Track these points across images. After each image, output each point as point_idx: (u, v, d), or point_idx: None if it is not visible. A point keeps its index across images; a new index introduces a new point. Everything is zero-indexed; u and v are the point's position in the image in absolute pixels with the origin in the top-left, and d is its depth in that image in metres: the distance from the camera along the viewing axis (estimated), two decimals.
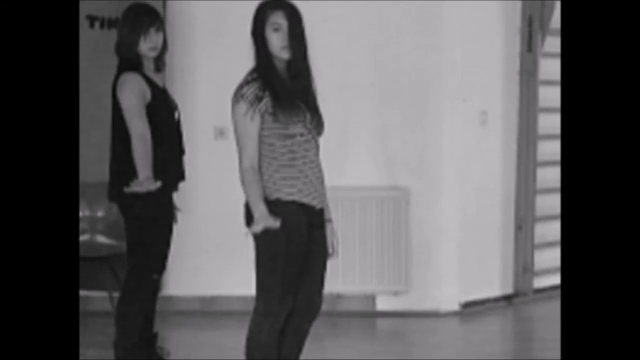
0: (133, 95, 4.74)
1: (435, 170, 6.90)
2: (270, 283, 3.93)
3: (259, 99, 3.92)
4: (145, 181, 4.76)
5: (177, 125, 5.05)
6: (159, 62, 4.92)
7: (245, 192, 3.94)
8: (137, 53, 4.79)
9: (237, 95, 3.94)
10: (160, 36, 4.84)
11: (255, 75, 3.98)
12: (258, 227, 3.82)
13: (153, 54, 4.81)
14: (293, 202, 3.88)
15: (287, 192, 3.97)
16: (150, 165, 4.84)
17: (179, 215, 5.15)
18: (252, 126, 3.90)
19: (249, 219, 3.94)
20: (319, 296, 4.06)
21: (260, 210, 3.83)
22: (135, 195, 4.69)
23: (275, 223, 3.79)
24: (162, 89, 4.98)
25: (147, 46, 4.78)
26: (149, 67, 4.90)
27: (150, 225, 4.82)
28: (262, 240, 3.91)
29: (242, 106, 3.89)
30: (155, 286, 5.05)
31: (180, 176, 5.05)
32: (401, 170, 6.82)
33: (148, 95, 4.72)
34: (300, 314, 4.05)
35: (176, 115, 5.07)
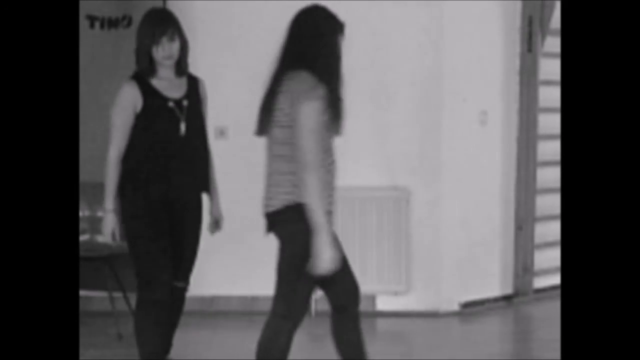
0: (117, 111, 4.77)
1: (435, 170, 6.90)
2: (299, 287, 4.01)
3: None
4: (105, 227, 4.97)
5: (180, 137, 4.83)
6: (180, 66, 4.83)
7: (309, 192, 3.99)
8: (152, 60, 4.74)
9: (313, 94, 4.08)
10: (175, 45, 4.75)
11: (318, 79, 4.10)
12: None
13: (169, 62, 4.75)
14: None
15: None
16: (112, 193, 4.93)
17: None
18: (321, 125, 4.12)
19: (275, 224, 4.06)
20: (355, 278, 4.24)
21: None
22: (122, 197, 4.78)
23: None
24: (173, 98, 4.80)
25: (160, 55, 4.72)
26: (165, 73, 4.81)
27: (130, 224, 4.82)
28: (295, 245, 4.00)
29: (319, 105, 4.05)
30: (176, 295, 4.90)
31: (178, 189, 4.84)
32: (401, 170, 6.82)
33: (139, 106, 4.70)
34: (353, 303, 4.22)
35: (182, 127, 4.82)
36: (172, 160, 4.75)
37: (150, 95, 4.70)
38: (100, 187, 6.48)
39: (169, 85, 4.76)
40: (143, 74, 4.73)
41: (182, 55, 4.78)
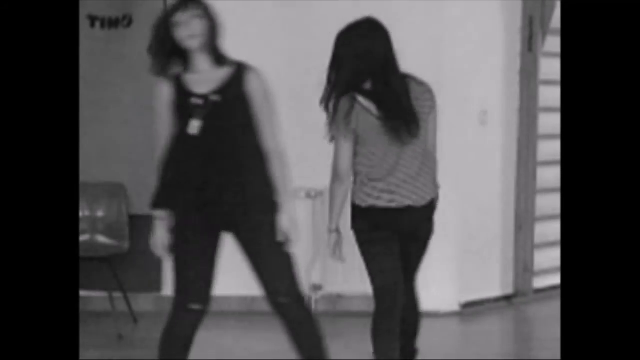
0: (157, 113, 4.31)
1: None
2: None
3: None
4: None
5: (192, 138, 4.20)
6: (215, 53, 4.19)
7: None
8: (184, 51, 4.15)
9: None
10: (198, 21, 4.10)
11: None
12: None
13: (193, 42, 4.11)
14: None
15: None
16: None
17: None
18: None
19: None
20: None
21: None
22: None
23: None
24: (200, 93, 4.18)
25: (183, 35, 4.09)
26: (200, 64, 4.18)
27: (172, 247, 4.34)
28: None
29: None
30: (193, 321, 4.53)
31: (205, 202, 4.22)
32: None
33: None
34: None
35: (196, 124, 4.13)
36: (185, 164, 4.21)
37: (176, 91, 4.18)
38: (101, 187, 6.65)
39: (200, 78, 4.18)
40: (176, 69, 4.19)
41: (212, 37, 4.15)
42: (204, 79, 4.12)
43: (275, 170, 4.17)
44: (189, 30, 4.07)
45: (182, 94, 4.13)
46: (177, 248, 4.26)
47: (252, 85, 4.12)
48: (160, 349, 4.36)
